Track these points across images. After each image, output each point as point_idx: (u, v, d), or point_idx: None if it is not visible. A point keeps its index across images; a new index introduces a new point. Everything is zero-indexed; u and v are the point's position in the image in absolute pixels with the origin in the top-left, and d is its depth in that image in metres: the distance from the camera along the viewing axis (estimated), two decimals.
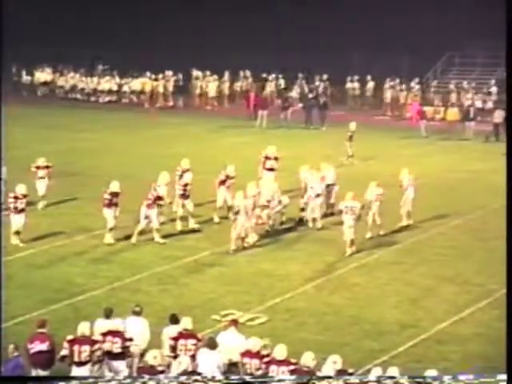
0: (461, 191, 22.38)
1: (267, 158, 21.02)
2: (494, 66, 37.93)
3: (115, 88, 40.17)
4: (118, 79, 40.51)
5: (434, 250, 17.41)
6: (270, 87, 38.39)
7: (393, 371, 9.82)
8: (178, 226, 18.28)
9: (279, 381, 9.73)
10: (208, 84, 38.78)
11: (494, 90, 35.94)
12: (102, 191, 17.58)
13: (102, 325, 11.26)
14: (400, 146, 28.10)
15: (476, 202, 21.10)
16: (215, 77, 38.91)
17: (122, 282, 15.37)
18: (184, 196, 18.43)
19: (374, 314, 14.03)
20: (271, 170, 20.84)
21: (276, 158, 21.06)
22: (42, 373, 10.71)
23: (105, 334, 10.94)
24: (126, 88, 39.93)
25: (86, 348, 10.66)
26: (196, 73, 39.38)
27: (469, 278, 15.76)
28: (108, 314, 11.56)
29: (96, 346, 10.71)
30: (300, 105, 35.39)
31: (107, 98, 40.02)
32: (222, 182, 19.14)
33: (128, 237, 17.49)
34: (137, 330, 11.35)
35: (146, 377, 9.95)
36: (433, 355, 12.44)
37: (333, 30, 37.75)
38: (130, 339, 10.97)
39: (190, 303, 14.29)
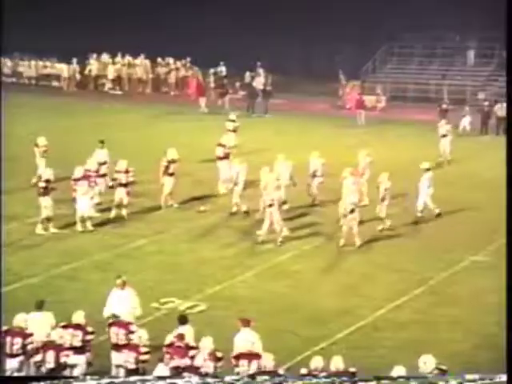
0: (401, 179, 22.66)
1: (221, 145, 20.96)
2: (432, 56, 38.62)
3: (46, 72, 39.57)
4: (43, 63, 39.79)
5: (372, 238, 17.64)
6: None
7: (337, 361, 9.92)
8: (112, 214, 18.17)
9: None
10: (106, 67, 38.58)
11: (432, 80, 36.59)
12: (35, 180, 17.18)
13: (40, 318, 10.98)
14: (339, 134, 28.40)
15: (412, 191, 21.40)
16: (114, 60, 38.76)
17: (60, 269, 15.17)
18: (122, 184, 18.21)
19: (313, 302, 14.17)
20: (225, 158, 20.79)
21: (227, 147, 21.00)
22: None
23: (66, 327, 10.72)
24: (52, 71, 39.37)
25: (18, 340, 10.48)
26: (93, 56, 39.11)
27: (405, 266, 16.03)
28: (39, 306, 11.29)
29: (29, 340, 10.51)
30: (242, 92, 35.37)
31: (41, 83, 39.34)
32: (167, 168, 19.03)
33: (66, 225, 17.25)
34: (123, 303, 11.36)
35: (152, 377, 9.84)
36: (370, 342, 12.64)
37: (276, 19, 37.76)
38: (92, 332, 10.81)
39: None
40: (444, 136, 25.49)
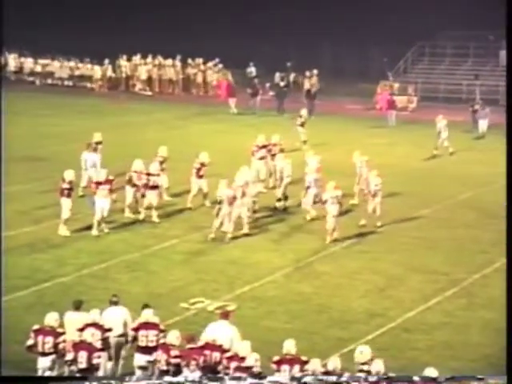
0: (429, 181, 22.51)
1: (259, 147, 21.00)
2: (464, 56, 38.27)
3: (78, 73, 39.87)
4: (80, 64, 40.10)
5: (402, 239, 17.50)
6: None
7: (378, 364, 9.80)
8: (142, 215, 18.19)
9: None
10: (137, 68, 38.80)
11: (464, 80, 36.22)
12: (60, 180, 17.25)
13: (76, 318, 11.00)
14: (368, 135, 28.23)
15: (444, 193, 21.24)
16: (145, 61, 39.02)
17: (90, 269, 15.27)
18: (148, 186, 18.19)
19: (342, 303, 14.09)
20: (262, 158, 20.85)
21: (265, 146, 21.13)
22: None
23: (82, 329, 10.69)
24: (85, 72, 39.66)
25: (50, 339, 10.51)
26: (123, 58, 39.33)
27: (436, 268, 15.89)
28: (78, 306, 11.29)
29: (60, 339, 10.54)
30: (271, 93, 35.38)
31: (72, 83, 39.65)
32: (198, 170, 19.09)
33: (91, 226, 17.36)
34: (115, 319, 11.18)
35: (167, 379, 9.84)
36: (400, 344, 12.54)
37: (306, 20, 37.68)
38: (109, 329, 10.79)
39: (159, 291, 14.25)
40: (440, 132, 25.59)
